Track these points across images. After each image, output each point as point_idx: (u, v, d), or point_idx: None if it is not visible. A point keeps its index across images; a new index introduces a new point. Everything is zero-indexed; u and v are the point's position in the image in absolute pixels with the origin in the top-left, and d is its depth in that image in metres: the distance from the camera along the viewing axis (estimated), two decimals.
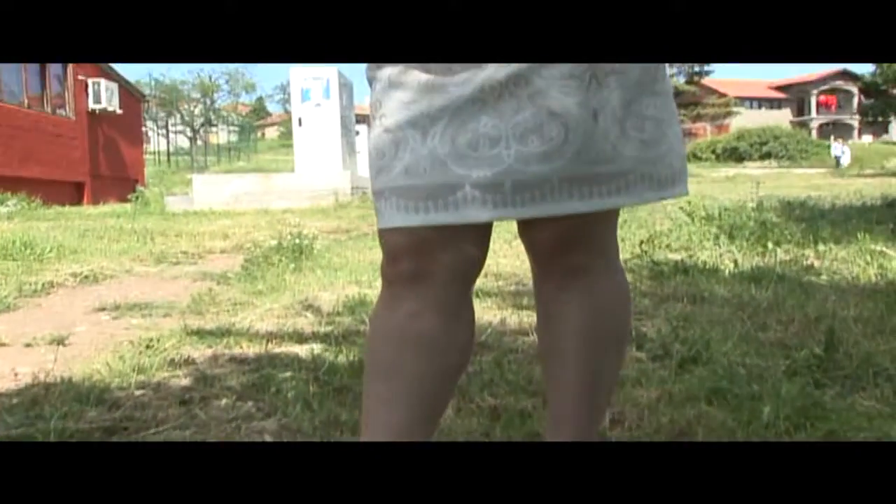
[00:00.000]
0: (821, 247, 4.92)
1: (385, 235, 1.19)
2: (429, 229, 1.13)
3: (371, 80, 1.23)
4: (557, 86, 1.09)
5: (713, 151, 37.96)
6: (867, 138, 48.78)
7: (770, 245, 4.91)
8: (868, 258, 4.29)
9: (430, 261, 1.16)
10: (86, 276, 4.73)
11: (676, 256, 4.60)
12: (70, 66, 16.08)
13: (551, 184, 1.11)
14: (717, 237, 5.34)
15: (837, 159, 30.20)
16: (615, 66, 1.11)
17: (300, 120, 12.53)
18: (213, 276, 4.77)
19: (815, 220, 6.56)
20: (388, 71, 1.18)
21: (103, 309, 3.69)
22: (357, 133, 14.43)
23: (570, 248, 1.23)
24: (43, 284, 4.35)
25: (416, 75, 1.14)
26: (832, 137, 33.81)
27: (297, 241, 5.25)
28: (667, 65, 1.23)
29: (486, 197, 1.11)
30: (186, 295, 4.00)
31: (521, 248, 1.32)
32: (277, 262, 4.88)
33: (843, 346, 2.29)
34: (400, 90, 1.16)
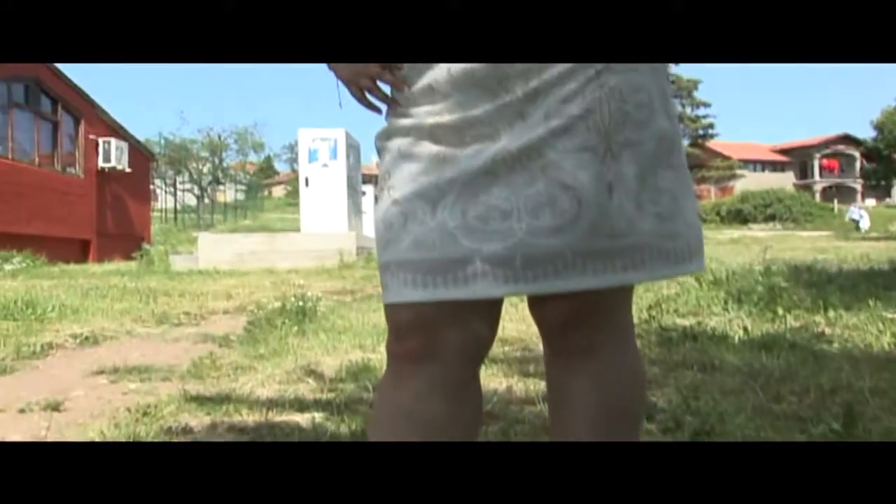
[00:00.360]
0: (831, 313, 4.85)
1: (391, 311, 1.15)
2: (437, 305, 1.09)
3: (380, 150, 1.20)
4: (571, 158, 1.07)
5: (718, 213, 38.15)
6: (870, 202, 49.00)
7: (780, 311, 4.84)
8: (881, 326, 4.21)
9: (438, 339, 1.11)
10: (86, 338, 4.68)
11: (685, 322, 4.53)
12: (82, 126, 16.33)
13: (564, 259, 1.07)
14: (725, 302, 5.28)
15: (856, 223, 30.02)
16: (630, 139, 1.09)
17: (307, 180, 12.62)
18: (215, 338, 4.71)
19: (823, 285, 6.49)
20: (399, 142, 1.15)
21: (102, 372, 3.63)
22: (363, 193, 14.51)
23: (583, 326, 1.18)
24: (42, 346, 4.29)
25: (426, 146, 1.12)
26: (854, 203, 33.71)
27: (301, 303, 5.21)
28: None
29: (497, 272, 1.07)
30: (187, 358, 3.94)
31: (528, 310, 1.27)
32: (280, 325, 4.82)
33: (862, 421, 2.22)
34: (410, 161, 1.13)
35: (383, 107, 1.22)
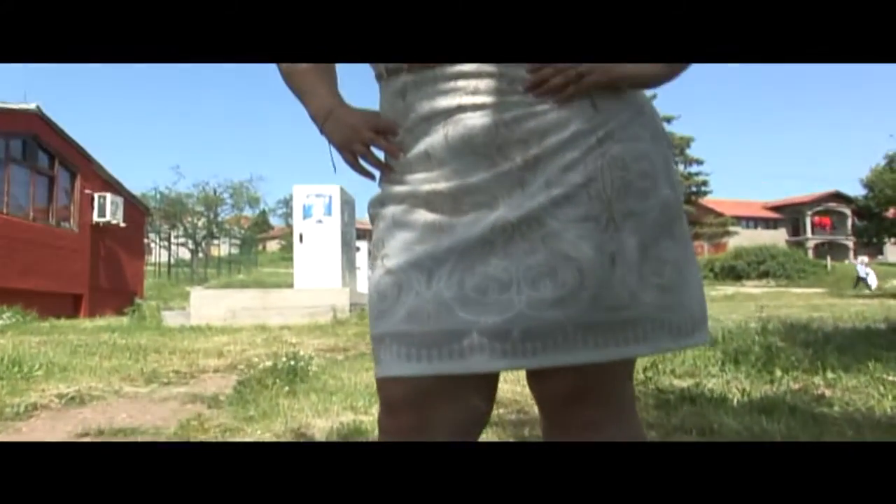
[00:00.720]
0: (829, 374, 4.79)
1: (383, 385, 1.10)
2: (432, 379, 1.05)
3: (374, 218, 1.17)
4: (573, 228, 1.03)
5: (711, 269, 38.19)
6: (863, 258, 49.17)
7: (778, 372, 4.78)
8: (882, 389, 4.15)
9: (432, 414, 1.06)
10: (72, 398, 4.57)
11: (682, 383, 4.46)
12: (78, 180, 16.37)
13: (565, 331, 1.03)
14: (722, 363, 5.22)
15: (864, 280, 29.88)
16: (633, 208, 1.06)
17: (301, 236, 12.61)
18: (204, 398, 4.60)
19: (820, 345, 6.44)
20: (393, 209, 1.12)
21: (86, 434, 3.52)
22: (358, 249, 14.50)
23: (584, 401, 1.13)
24: (26, 407, 4.18)
25: (422, 215, 1.09)
26: (859, 259, 33.61)
27: (293, 362, 5.12)
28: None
29: (495, 345, 1.03)
30: (175, 419, 3.83)
31: (526, 384, 1.22)
32: (271, 385, 4.72)
33: None
34: (405, 230, 1.10)
35: (377, 173, 1.19)
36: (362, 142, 1.16)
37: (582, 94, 1.06)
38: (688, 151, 45.35)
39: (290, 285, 13.27)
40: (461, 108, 1.07)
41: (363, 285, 13.35)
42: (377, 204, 1.16)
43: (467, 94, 1.07)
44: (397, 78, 1.12)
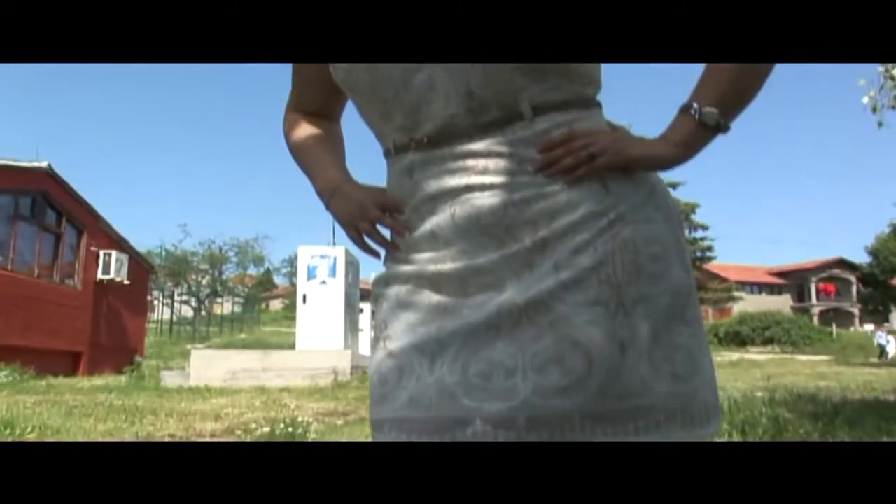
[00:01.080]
0: None
1: None
2: None
3: (377, 298, 1.14)
4: (582, 313, 1.00)
5: (716, 335, 37.94)
6: (868, 327, 48.90)
7: None
8: None
9: None
10: None
11: None
12: (84, 238, 16.45)
13: (571, 421, 0.98)
14: (729, 434, 5.11)
15: (882, 348, 29.54)
16: (644, 293, 1.02)
17: (304, 297, 12.59)
18: None
19: (830, 417, 6.32)
20: (397, 289, 1.09)
21: None
22: (361, 311, 14.45)
23: None
24: None
25: (426, 296, 1.06)
26: (881, 328, 33.32)
27: (290, 428, 5.03)
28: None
29: (499, 433, 0.98)
30: None
31: None
32: None
33: None
34: (408, 311, 1.07)
35: (382, 251, 1.16)
36: (368, 219, 1.14)
37: (593, 175, 1.04)
38: (692, 217, 45.58)
39: (292, 346, 13.19)
40: (469, 188, 1.04)
41: (365, 347, 13.25)
42: (381, 283, 1.13)
43: (476, 174, 1.04)
44: (405, 155, 1.10)
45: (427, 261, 1.07)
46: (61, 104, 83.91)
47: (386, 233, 1.15)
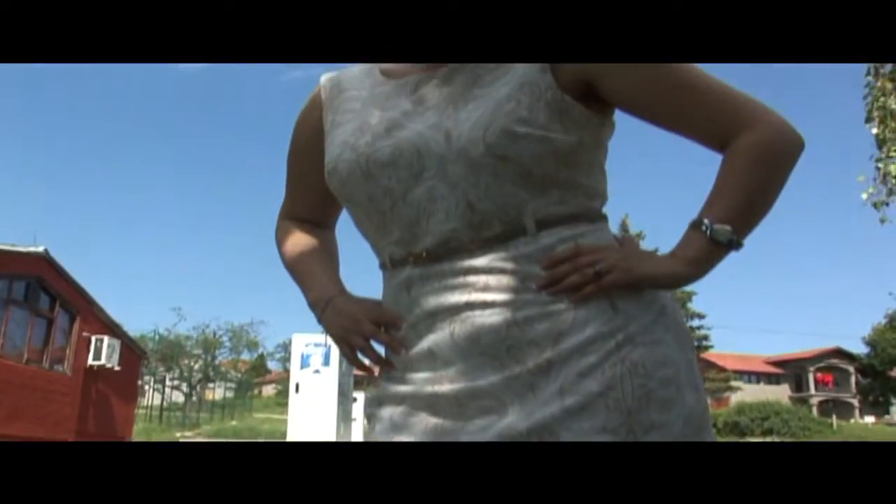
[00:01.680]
0: None
1: None
2: None
3: (370, 418, 1.07)
4: (588, 441, 0.93)
5: (714, 425, 37.13)
6: (869, 419, 48.15)
7: None
8: None
9: None
10: None
11: None
12: (77, 323, 16.28)
13: None
14: None
15: None
16: (655, 421, 0.96)
17: (297, 386, 12.37)
18: None
19: None
20: (391, 411, 1.03)
21: None
22: (355, 400, 14.19)
23: None
24: None
25: (422, 418, 0.99)
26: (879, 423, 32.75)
27: None
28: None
29: None
30: None
31: None
32: None
33: None
34: (403, 434, 1.00)
35: (376, 369, 1.10)
36: (362, 334, 1.08)
37: (600, 293, 0.99)
38: (689, 305, 45.54)
39: (284, 433, 12.87)
40: (470, 306, 0.99)
41: (358, 436, 12.97)
42: (374, 404, 1.07)
43: (477, 291, 0.99)
44: (402, 270, 1.06)
45: (424, 381, 1.01)
46: (56, 182, 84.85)
47: (380, 349, 1.09)
